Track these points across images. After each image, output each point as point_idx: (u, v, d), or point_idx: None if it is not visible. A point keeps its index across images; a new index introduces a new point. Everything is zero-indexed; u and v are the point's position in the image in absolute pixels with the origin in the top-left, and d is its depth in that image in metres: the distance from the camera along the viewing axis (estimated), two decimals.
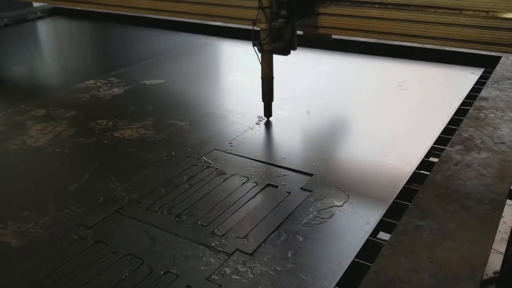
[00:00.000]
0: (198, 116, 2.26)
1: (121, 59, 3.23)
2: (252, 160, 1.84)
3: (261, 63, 2.06)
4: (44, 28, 4.20)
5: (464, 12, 1.68)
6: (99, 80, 2.76)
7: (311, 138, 2.01)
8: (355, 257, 1.31)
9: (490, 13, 1.63)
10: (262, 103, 2.15)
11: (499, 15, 1.60)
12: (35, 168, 1.87)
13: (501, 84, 2.27)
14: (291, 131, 2.07)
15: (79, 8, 3.93)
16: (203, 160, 1.84)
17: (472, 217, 1.35)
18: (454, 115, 2.15)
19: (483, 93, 2.20)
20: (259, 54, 2.04)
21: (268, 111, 2.16)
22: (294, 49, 2.09)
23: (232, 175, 1.74)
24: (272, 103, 2.16)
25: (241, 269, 1.28)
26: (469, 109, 2.10)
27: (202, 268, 1.29)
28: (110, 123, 2.20)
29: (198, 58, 3.19)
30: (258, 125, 2.13)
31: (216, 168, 1.78)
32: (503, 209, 1.39)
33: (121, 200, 1.61)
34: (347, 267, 1.27)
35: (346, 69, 2.87)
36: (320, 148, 1.93)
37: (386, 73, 2.76)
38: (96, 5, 3.05)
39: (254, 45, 2.01)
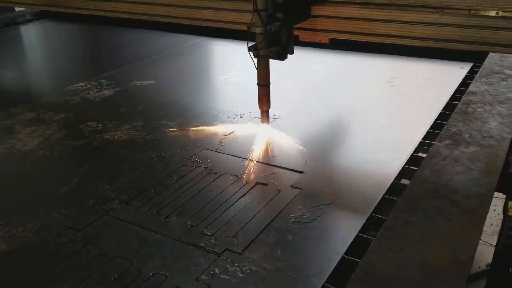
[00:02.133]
0: (189, 116, 2.25)
1: (112, 60, 3.22)
2: (242, 159, 1.84)
3: (257, 69, 1.98)
4: (33, 31, 4.18)
5: (445, 11, 1.68)
6: (89, 82, 2.75)
7: (301, 136, 2.01)
8: (344, 254, 1.31)
9: (472, 11, 1.63)
10: (259, 110, 2.06)
11: (482, 13, 1.60)
12: (24, 172, 1.86)
13: (490, 78, 2.28)
14: (281, 129, 2.06)
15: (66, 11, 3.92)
16: (193, 160, 1.84)
17: (460, 213, 1.36)
18: (443, 110, 2.15)
19: (472, 87, 2.21)
20: (255, 60, 1.96)
21: (265, 118, 2.06)
22: (291, 53, 2.03)
23: (222, 174, 1.74)
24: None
25: (230, 269, 1.28)
26: (458, 103, 2.11)
27: (192, 268, 1.29)
28: (100, 125, 2.20)
29: (189, 58, 3.18)
30: (248, 124, 2.13)
31: (206, 168, 1.78)
32: (490, 203, 1.39)
33: (111, 202, 1.60)
34: (336, 264, 1.27)
35: (334, 67, 2.87)
36: (310, 146, 1.93)
37: (375, 69, 2.77)
38: (72, 8, 3.04)
39: (249, 50, 1.93)
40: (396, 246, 1.25)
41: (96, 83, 2.74)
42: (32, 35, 4.12)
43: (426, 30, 1.75)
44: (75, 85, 2.73)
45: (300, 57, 2.55)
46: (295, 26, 2.01)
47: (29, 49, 3.75)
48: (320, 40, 2.08)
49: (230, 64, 3.07)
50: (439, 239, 1.26)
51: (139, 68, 3.00)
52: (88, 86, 2.71)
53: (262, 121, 2.07)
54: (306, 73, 2.75)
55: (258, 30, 1.88)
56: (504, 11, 1.55)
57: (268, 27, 1.87)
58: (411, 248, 1.23)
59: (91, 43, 3.94)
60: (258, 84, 2.02)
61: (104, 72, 2.93)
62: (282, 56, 2.01)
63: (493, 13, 1.58)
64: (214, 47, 3.42)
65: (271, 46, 1.94)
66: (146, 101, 2.48)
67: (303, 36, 2.13)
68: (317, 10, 1.99)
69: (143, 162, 1.85)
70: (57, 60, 3.51)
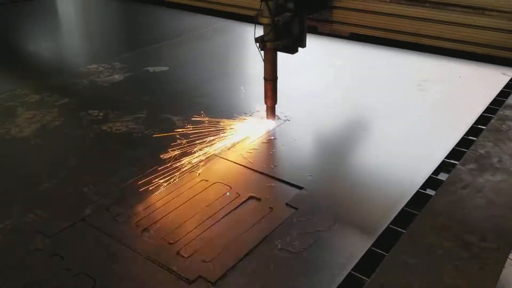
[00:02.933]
0: (194, 111, 2.10)
1: (130, 42, 3.11)
2: (239, 166, 1.68)
3: (263, 62, 1.85)
4: (55, 5, 4.11)
5: (487, 12, 1.44)
6: (102, 65, 2.64)
7: (310, 143, 1.83)
8: None
9: None
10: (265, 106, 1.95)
11: None
12: (11, 162, 1.77)
13: None
14: (289, 134, 1.89)
15: None
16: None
17: (471, 259, 1.16)
18: (474, 123, 1.92)
19: (511, 100, 1.96)
20: (262, 52, 1.83)
21: (271, 115, 1.95)
22: (303, 46, 1.86)
23: (214, 182, 1.59)
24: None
25: None
26: (492, 117, 1.87)
27: None
28: (101, 114, 2.08)
29: (209, 43, 3.02)
30: (254, 125, 1.96)
31: (199, 174, 1.64)
32: (510, 251, 1.19)
33: (90, 205, 1.49)
34: None
35: (359, 63, 2.64)
36: (317, 156, 1.76)
37: (406, 69, 2.52)
38: None
39: (256, 41, 1.79)
40: None
41: (108, 66, 2.62)
42: (52, 9, 4.04)
43: (462, 32, 1.51)
44: (88, 66, 2.63)
45: (319, 49, 2.34)
46: (311, 16, 1.81)
47: (48, 25, 3.66)
48: (339, 33, 1.88)
49: (250, 53, 2.88)
50: None
51: (156, 52, 2.87)
52: (100, 69, 2.60)
53: (267, 117, 1.95)
54: (325, 70, 2.54)
55: (265, 20, 1.73)
56: None
57: (276, 18, 1.70)
58: None
59: (113, 21, 3.83)
60: (264, 79, 1.88)
61: (120, 54, 2.81)
62: (291, 50, 1.85)
63: None
64: (238, 32, 3.23)
65: (279, 38, 1.77)
66: (155, 89, 2.34)
67: (322, 27, 1.92)
68: (338, 1, 1.78)
69: (135, 160, 1.72)
70: (76, 38, 3.42)
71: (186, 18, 3.52)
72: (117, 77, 2.50)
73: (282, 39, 1.79)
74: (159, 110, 2.12)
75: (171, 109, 2.12)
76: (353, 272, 1.21)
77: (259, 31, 1.79)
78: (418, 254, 1.19)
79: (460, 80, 2.35)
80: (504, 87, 2.23)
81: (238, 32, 3.23)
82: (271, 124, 1.94)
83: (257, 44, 1.80)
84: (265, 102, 1.94)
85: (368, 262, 1.25)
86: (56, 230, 1.38)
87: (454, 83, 2.33)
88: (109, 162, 1.74)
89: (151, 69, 2.59)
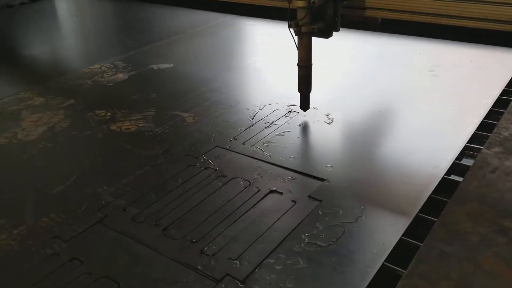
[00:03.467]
0: (205, 106, 2.06)
1: (131, 40, 3.04)
2: (256, 160, 1.63)
3: (297, 47, 1.77)
4: (56, 7, 4.05)
5: None
6: (105, 64, 2.59)
7: (327, 134, 1.78)
8: None
9: None
10: (298, 93, 1.88)
11: None
12: (20, 166, 1.72)
13: None
14: (305, 125, 1.84)
15: None
16: (202, 160, 1.65)
17: (510, 244, 1.11)
18: (492, 107, 1.87)
19: None
20: (296, 37, 1.75)
21: (305, 104, 1.89)
22: (337, 30, 1.79)
23: (232, 178, 1.54)
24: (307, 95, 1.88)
25: None
26: (510, 100, 1.83)
27: None
28: (108, 113, 2.03)
29: (213, 38, 2.96)
30: (269, 118, 1.91)
31: (216, 170, 1.59)
32: None
33: (106, 207, 1.44)
34: None
35: (370, 51, 2.60)
36: (335, 147, 1.71)
37: (417, 56, 2.47)
38: None
39: (289, 26, 1.72)
40: (428, 286, 1.03)
41: (111, 66, 2.57)
42: (54, 11, 3.99)
43: (485, 10, 1.45)
44: (90, 67, 2.58)
45: (337, 42, 2.30)
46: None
47: (50, 27, 3.60)
48: (368, 19, 1.82)
49: (255, 47, 2.85)
50: (480, 280, 1.03)
51: (158, 50, 2.81)
52: (103, 68, 2.54)
53: (301, 107, 1.89)
54: (337, 59, 2.49)
55: (300, 3, 1.67)
56: None
57: (312, 1, 1.64)
58: None
59: (114, 20, 3.78)
60: (299, 65, 1.81)
61: (122, 53, 2.76)
62: (326, 34, 1.78)
63: None
64: (241, 27, 3.18)
65: (314, 22, 1.72)
66: (161, 87, 2.29)
67: (351, 15, 1.86)
68: None
69: (147, 160, 1.67)
70: (77, 38, 3.37)
71: (186, 15, 3.46)
72: (121, 76, 2.44)
73: (317, 22, 1.72)
74: (168, 107, 2.07)
75: (180, 105, 2.07)
76: (387, 263, 1.16)
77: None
78: (453, 242, 1.14)
79: (472, 64, 2.31)
80: None
81: (239, 26, 3.19)
82: (305, 112, 1.89)
83: (291, 29, 1.72)
84: (299, 90, 1.86)
85: (401, 253, 1.20)
86: (72, 233, 1.33)
87: (466, 67, 2.28)
88: (121, 162, 1.69)
89: (155, 66, 2.54)
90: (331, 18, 1.74)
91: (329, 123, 1.84)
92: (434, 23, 1.74)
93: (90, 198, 1.48)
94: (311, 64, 1.81)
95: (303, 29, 1.71)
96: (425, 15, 1.63)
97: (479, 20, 1.47)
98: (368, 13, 1.76)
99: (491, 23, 1.47)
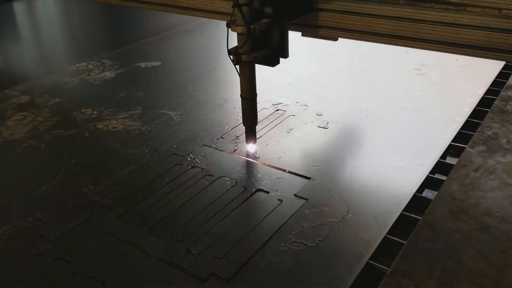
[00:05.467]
0: (192, 105, 2.05)
1: (118, 38, 3.03)
2: (243, 159, 1.63)
3: (240, 77, 1.55)
4: (40, 5, 4.01)
5: (468, 8, 1.34)
6: (91, 62, 2.57)
7: (313, 133, 1.79)
8: (351, 287, 1.11)
9: (504, 11, 1.30)
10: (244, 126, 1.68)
11: None
12: (5, 166, 1.70)
13: None
14: (291, 124, 1.85)
15: None
16: (189, 159, 1.65)
17: (492, 241, 1.13)
18: (477, 105, 1.89)
19: None
20: (237, 66, 1.53)
21: (251, 137, 1.67)
22: (285, 56, 1.52)
23: (219, 177, 1.54)
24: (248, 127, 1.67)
25: None
26: (495, 98, 1.85)
27: None
28: (95, 112, 2.02)
29: (201, 36, 2.96)
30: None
31: (202, 168, 1.59)
32: None
33: (92, 206, 1.43)
34: None
35: (356, 51, 2.60)
36: (322, 145, 1.72)
37: (403, 55, 2.49)
38: None
39: (229, 53, 1.50)
40: (412, 282, 1.04)
41: (98, 64, 2.55)
42: (38, 9, 3.94)
43: (442, 33, 1.41)
44: (77, 65, 2.56)
45: (324, 41, 2.30)
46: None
47: (34, 25, 3.57)
48: (326, 38, 1.65)
49: None
50: (462, 277, 1.04)
51: (146, 47, 2.80)
52: (90, 66, 2.53)
53: (247, 141, 1.68)
54: (321, 58, 2.50)
55: (239, 29, 1.43)
56: None
57: (252, 26, 1.41)
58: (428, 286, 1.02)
59: (100, 17, 3.75)
60: (242, 97, 1.60)
61: (109, 51, 2.74)
62: (272, 62, 1.53)
63: None
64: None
65: (257, 49, 1.48)
66: (148, 85, 2.28)
67: (305, 33, 1.67)
68: (322, 2, 1.58)
69: (134, 159, 1.67)
70: (63, 36, 3.34)
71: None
72: (108, 74, 2.43)
73: (260, 50, 1.49)
74: (155, 106, 2.06)
75: (167, 104, 2.07)
76: (371, 262, 1.17)
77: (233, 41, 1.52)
78: (437, 239, 1.15)
79: (457, 63, 2.33)
80: (503, 68, 2.20)
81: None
82: (251, 148, 1.67)
83: (231, 56, 1.50)
84: (244, 124, 1.65)
85: (385, 250, 1.21)
86: (58, 233, 1.33)
87: (452, 66, 2.30)
88: (107, 161, 1.68)
89: (142, 64, 2.53)
90: (277, 44, 1.50)
91: (315, 122, 1.85)
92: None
93: (76, 198, 1.47)
94: (255, 95, 1.59)
95: (244, 57, 1.48)
96: (378, 36, 1.55)
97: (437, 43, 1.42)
98: (322, 32, 1.61)
99: (451, 48, 1.42)
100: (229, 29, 1.46)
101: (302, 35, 1.66)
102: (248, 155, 1.65)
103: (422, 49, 1.47)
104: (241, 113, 1.64)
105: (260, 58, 1.48)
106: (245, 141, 1.69)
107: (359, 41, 1.58)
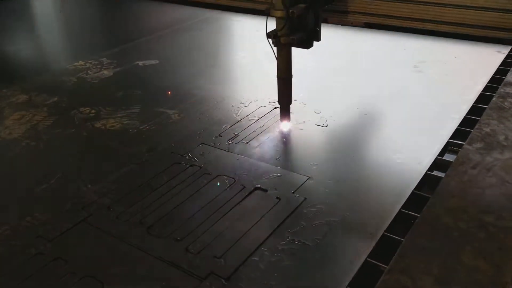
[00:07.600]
0: (190, 103, 2.05)
1: (117, 36, 3.03)
2: (241, 157, 1.63)
3: (277, 59, 1.70)
4: (37, 3, 4.00)
5: None
6: (89, 61, 2.57)
7: (311, 131, 1.79)
8: (348, 285, 1.11)
9: None
10: (279, 105, 1.81)
11: None
12: (3, 165, 1.70)
13: None
14: (290, 122, 1.84)
15: None
16: (187, 157, 1.65)
17: (490, 239, 1.13)
18: (475, 102, 1.90)
19: (510, 77, 1.94)
20: (275, 49, 1.68)
21: (285, 116, 1.79)
22: (318, 40, 1.70)
23: (217, 175, 1.54)
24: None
25: None
26: (493, 95, 1.85)
27: None
28: (93, 111, 2.02)
29: (199, 34, 2.95)
30: (254, 115, 1.91)
31: (201, 167, 1.59)
32: None
33: (90, 206, 1.43)
34: None
35: (355, 47, 2.61)
36: (320, 144, 1.72)
37: (401, 51, 2.49)
38: None
39: (268, 37, 1.63)
40: (410, 280, 1.04)
41: (96, 62, 2.55)
42: (34, 8, 3.93)
43: (458, 14, 1.43)
44: (75, 63, 2.55)
45: (323, 38, 2.30)
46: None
47: (32, 23, 3.56)
48: (352, 23, 1.73)
49: (242, 43, 2.84)
50: (460, 274, 1.05)
51: (144, 45, 2.80)
52: (88, 65, 2.52)
53: (281, 119, 1.80)
54: (320, 54, 2.49)
55: (278, 13, 1.58)
56: None
57: (291, 10, 1.56)
58: (427, 285, 1.02)
59: (98, 16, 3.74)
60: (278, 77, 1.73)
61: (107, 49, 2.74)
62: (307, 44, 1.70)
63: None
64: (227, 22, 3.18)
65: (294, 33, 1.63)
66: (146, 84, 2.28)
67: (333, 19, 1.76)
68: None
69: (132, 158, 1.67)
70: (62, 35, 3.33)
71: (172, 11, 3.45)
72: (106, 72, 2.43)
73: (296, 33, 1.63)
74: (153, 104, 2.06)
75: (165, 102, 2.07)
76: (369, 259, 1.18)
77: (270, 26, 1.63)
78: (434, 237, 1.16)
79: (456, 60, 2.33)
80: (501, 65, 2.21)
81: (225, 22, 3.18)
82: (286, 125, 1.79)
83: (269, 40, 1.64)
84: (279, 103, 1.78)
85: (384, 248, 1.22)
86: (57, 232, 1.33)
87: (450, 63, 2.31)
88: (106, 160, 1.68)
89: (140, 63, 2.52)
90: (311, 28, 1.66)
91: (314, 120, 1.85)
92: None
93: (74, 197, 1.47)
94: (291, 76, 1.73)
95: (282, 40, 1.62)
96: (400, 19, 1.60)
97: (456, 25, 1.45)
98: (351, 17, 1.72)
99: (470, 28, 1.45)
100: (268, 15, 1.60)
101: (329, 21, 1.75)
102: (282, 132, 1.77)
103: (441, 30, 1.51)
104: (277, 93, 1.77)
105: (297, 41, 1.62)
106: (279, 120, 1.82)
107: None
